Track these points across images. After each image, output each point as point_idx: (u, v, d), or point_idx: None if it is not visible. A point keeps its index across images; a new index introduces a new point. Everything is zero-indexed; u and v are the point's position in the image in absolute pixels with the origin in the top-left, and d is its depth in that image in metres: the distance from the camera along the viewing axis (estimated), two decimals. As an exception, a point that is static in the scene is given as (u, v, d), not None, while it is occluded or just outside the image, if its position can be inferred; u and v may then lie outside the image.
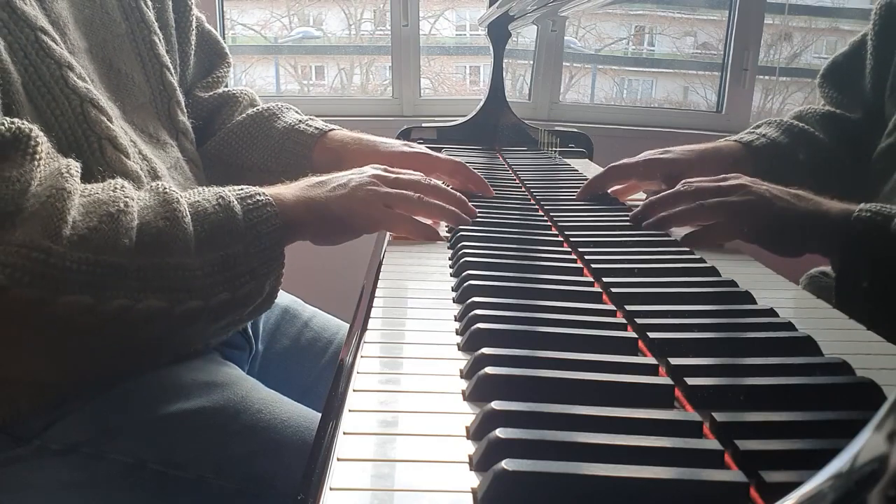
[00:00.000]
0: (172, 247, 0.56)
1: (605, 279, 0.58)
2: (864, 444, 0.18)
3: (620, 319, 0.50)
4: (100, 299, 0.53)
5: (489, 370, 0.39)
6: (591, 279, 0.59)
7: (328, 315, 0.95)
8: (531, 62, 1.95)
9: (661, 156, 0.89)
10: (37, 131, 0.54)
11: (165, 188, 0.60)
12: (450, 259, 0.65)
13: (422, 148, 0.92)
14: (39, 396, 0.62)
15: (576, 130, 1.45)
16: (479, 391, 0.39)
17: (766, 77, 2.01)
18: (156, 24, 0.79)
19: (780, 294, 0.61)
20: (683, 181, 0.75)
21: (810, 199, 0.69)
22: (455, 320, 0.51)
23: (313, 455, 0.36)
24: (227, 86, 0.98)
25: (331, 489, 0.31)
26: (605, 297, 0.55)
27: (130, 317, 0.54)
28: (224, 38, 2.17)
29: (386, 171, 0.73)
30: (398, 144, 0.91)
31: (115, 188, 0.57)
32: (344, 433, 0.35)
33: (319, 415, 0.55)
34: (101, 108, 0.63)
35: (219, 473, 0.62)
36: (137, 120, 0.73)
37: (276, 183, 0.68)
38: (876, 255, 0.64)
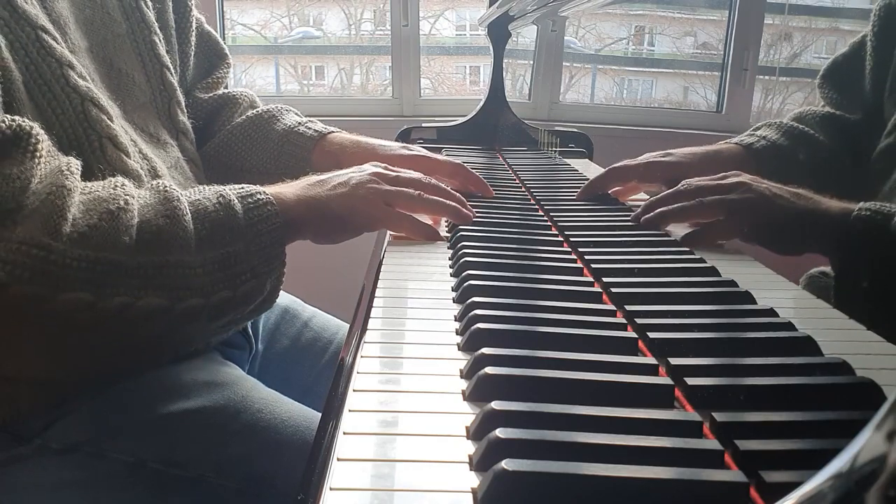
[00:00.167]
0: (173, 245, 0.56)
1: (605, 279, 0.58)
2: (864, 444, 0.18)
3: (620, 319, 0.50)
4: (100, 296, 0.53)
5: (489, 370, 0.39)
6: (591, 279, 0.59)
7: (328, 315, 0.96)
8: (531, 62, 1.95)
9: (662, 158, 0.89)
10: (37, 129, 0.54)
11: (166, 186, 0.60)
12: (450, 259, 0.65)
13: (421, 150, 0.92)
14: (40, 396, 0.62)
15: (576, 130, 1.45)
16: (479, 391, 0.39)
17: (766, 77, 2.01)
18: (156, 24, 0.79)
19: (780, 294, 0.61)
20: (684, 181, 0.75)
21: (810, 198, 0.69)
22: (455, 320, 0.51)
23: (313, 455, 0.36)
24: (226, 87, 0.99)
25: (331, 489, 0.31)
26: (605, 297, 0.55)
27: (131, 314, 0.54)
28: (224, 38, 2.17)
29: (386, 169, 0.73)
30: (397, 147, 0.91)
31: (116, 186, 0.57)
32: (344, 433, 0.35)
33: (319, 415, 0.55)
34: (102, 107, 0.63)
35: (219, 473, 0.62)
36: (138, 119, 0.74)
37: (275, 184, 0.68)
38: (876, 254, 0.64)
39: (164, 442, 0.63)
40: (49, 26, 0.62)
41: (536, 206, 0.87)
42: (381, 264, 0.64)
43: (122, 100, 0.71)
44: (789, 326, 0.48)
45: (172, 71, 0.80)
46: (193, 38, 0.90)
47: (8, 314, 0.52)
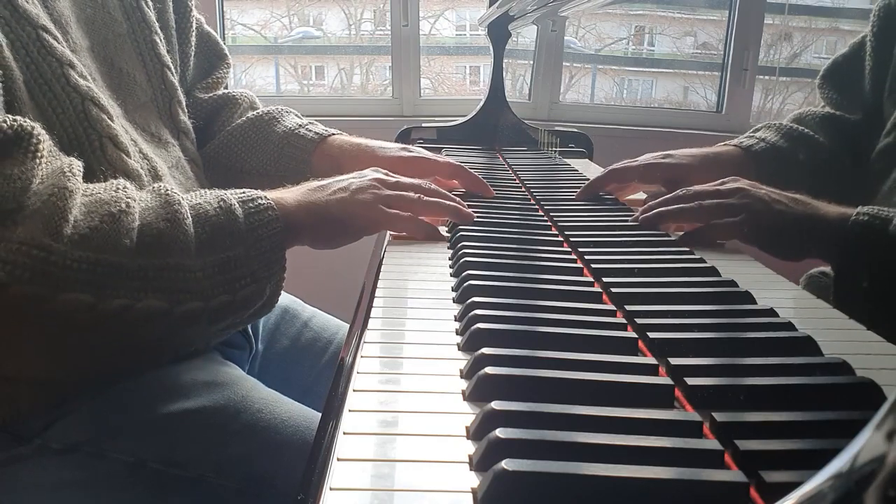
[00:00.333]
0: (173, 248, 0.56)
1: (605, 279, 0.58)
2: (864, 444, 0.18)
3: (620, 319, 0.50)
4: (100, 298, 0.53)
5: (489, 370, 0.39)
6: (591, 279, 0.59)
7: (328, 315, 0.96)
8: (531, 62, 1.95)
9: (662, 160, 0.89)
10: (39, 129, 0.54)
11: (167, 190, 0.60)
12: (450, 259, 0.65)
13: (420, 151, 0.93)
14: (40, 396, 0.62)
15: (576, 130, 1.45)
16: (479, 391, 0.39)
17: (766, 77, 2.01)
18: (157, 24, 0.79)
19: (780, 294, 0.61)
20: (683, 188, 0.76)
21: (808, 203, 0.70)
22: (455, 320, 0.51)
23: (313, 455, 0.36)
24: (226, 87, 0.99)
25: (331, 489, 0.31)
26: (605, 297, 0.55)
27: (130, 316, 0.54)
28: (224, 38, 2.17)
29: (387, 174, 0.74)
30: (396, 149, 0.91)
31: (118, 188, 0.57)
32: (344, 433, 0.35)
33: (319, 415, 0.55)
34: (102, 107, 0.63)
35: (219, 473, 0.62)
36: (139, 119, 0.74)
37: (275, 187, 0.68)
38: (874, 258, 0.64)
39: (164, 442, 0.63)
40: (50, 25, 0.62)
41: (536, 206, 0.87)
42: (381, 264, 0.64)
43: (124, 99, 0.71)
44: (789, 326, 0.48)
45: (173, 71, 0.81)
46: (194, 39, 0.91)
47: (8, 314, 0.52)
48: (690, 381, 0.40)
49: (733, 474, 0.32)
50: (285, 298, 0.93)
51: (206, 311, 0.58)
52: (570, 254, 0.66)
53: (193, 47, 0.91)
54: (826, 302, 0.58)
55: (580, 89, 2.25)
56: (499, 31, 1.45)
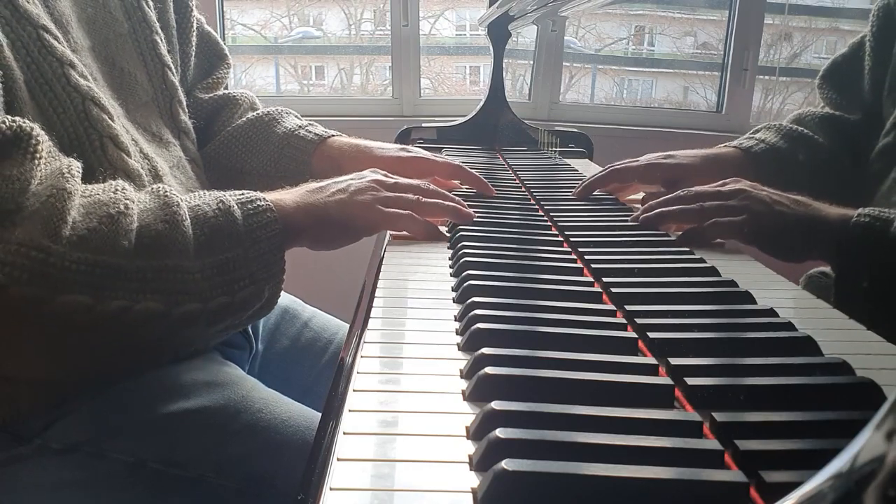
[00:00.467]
0: (171, 249, 0.56)
1: (605, 279, 0.58)
2: (864, 444, 0.18)
3: (620, 319, 0.50)
4: (98, 299, 0.53)
5: (489, 370, 0.39)
6: (591, 279, 0.59)
7: (328, 315, 0.96)
8: (531, 62, 1.95)
9: (663, 160, 0.89)
10: (38, 130, 0.54)
11: (166, 191, 0.60)
12: (450, 259, 0.65)
13: (419, 151, 0.93)
14: (39, 396, 0.62)
15: (576, 130, 1.45)
16: (479, 391, 0.39)
17: (766, 77, 2.01)
18: (157, 24, 0.80)
19: (780, 294, 0.61)
20: (683, 189, 0.76)
21: (809, 205, 0.70)
22: (455, 320, 0.51)
23: (313, 455, 0.36)
24: (226, 87, 0.99)
25: (331, 489, 0.31)
26: (605, 297, 0.55)
27: (129, 317, 0.54)
28: (224, 38, 2.17)
29: (386, 175, 0.74)
30: (395, 149, 0.91)
31: (116, 190, 0.57)
32: (344, 433, 0.35)
33: (319, 415, 0.55)
34: (103, 107, 0.63)
35: (219, 473, 0.62)
36: (140, 119, 0.74)
37: (275, 188, 0.68)
38: (875, 260, 0.64)
39: (164, 442, 0.63)
40: (50, 25, 0.62)
41: (536, 206, 0.87)
42: (381, 264, 0.64)
43: (125, 99, 0.72)
44: (789, 326, 0.48)
45: (174, 70, 0.81)
46: (194, 39, 0.91)
47: (7, 315, 0.52)
48: (690, 381, 0.40)
49: (733, 474, 0.32)
50: (285, 298, 0.93)
51: (205, 313, 0.58)
52: (570, 254, 0.66)
53: (194, 47, 0.91)
54: (826, 302, 0.58)
55: (580, 89, 2.25)
56: (499, 31, 1.45)
